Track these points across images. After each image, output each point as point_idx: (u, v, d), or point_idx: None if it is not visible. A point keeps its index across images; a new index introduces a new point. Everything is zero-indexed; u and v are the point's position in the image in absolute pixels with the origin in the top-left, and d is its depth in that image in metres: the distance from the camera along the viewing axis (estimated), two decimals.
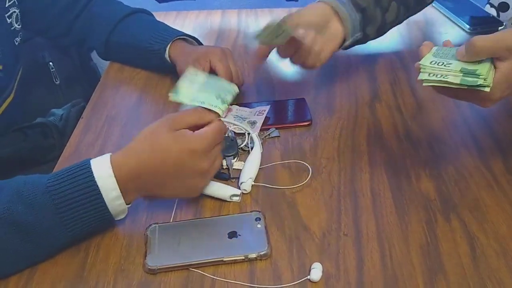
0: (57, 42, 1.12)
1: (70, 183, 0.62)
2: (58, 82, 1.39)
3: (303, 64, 0.88)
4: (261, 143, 0.82)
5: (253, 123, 0.87)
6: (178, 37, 0.97)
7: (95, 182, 0.62)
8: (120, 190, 0.63)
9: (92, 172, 0.62)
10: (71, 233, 0.63)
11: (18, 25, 0.93)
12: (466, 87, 0.63)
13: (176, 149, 0.65)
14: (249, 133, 0.83)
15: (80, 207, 0.62)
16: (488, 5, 1.28)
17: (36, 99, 1.35)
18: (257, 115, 0.89)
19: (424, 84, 0.65)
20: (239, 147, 0.82)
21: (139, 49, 1.00)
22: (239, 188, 0.74)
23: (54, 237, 0.63)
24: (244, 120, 0.87)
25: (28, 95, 1.22)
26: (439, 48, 0.70)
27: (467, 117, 0.89)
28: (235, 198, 0.73)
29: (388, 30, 0.96)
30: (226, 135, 0.83)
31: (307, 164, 0.79)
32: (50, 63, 1.38)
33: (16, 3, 0.92)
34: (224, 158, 0.78)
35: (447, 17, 1.23)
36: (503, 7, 1.25)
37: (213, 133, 0.67)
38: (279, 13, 1.26)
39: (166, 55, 0.95)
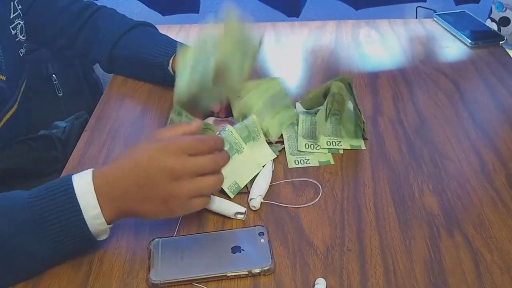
0: (61, 53, 1.12)
1: (50, 199, 0.60)
2: (61, 94, 1.40)
3: None
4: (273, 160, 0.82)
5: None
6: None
7: (76, 199, 0.60)
8: (100, 207, 0.61)
9: (73, 189, 0.60)
10: (51, 250, 0.61)
11: (23, 36, 0.93)
12: None
13: (146, 147, 0.63)
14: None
15: (60, 224, 0.60)
16: (489, 20, 1.29)
17: (39, 111, 1.36)
18: None
19: None
20: None
21: (141, 62, 1.00)
22: (248, 203, 0.74)
23: (32, 254, 0.61)
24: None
25: (31, 107, 1.23)
26: None
27: (470, 132, 0.90)
28: (240, 216, 0.72)
29: None
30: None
31: (316, 183, 0.79)
32: (53, 75, 1.39)
33: (21, 14, 0.93)
34: None
35: (449, 32, 1.24)
36: (504, 22, 1.26)
37: (195, 139, 0.63)
38: (281, 27, 1.27)
39: (169, 68, 0.95)
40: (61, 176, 0.64)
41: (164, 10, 1.46)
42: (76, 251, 0.66)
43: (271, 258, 0.65)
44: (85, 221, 0.61)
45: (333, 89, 0.84)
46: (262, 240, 0.68)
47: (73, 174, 0.63)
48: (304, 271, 0.65)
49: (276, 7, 1.46)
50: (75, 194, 0.60)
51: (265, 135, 0.85)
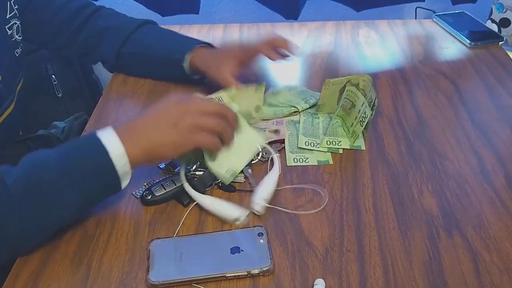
0: (59, 54, 1.12)
1: (77, 145, 0.69)
2: (60, 95, 1.40)
3: None
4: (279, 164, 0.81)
5: (276, 132, 0.87)
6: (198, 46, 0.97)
7: (101, 142, 0.67)
8: (124, 146, 0.67)
9: (97, 135, 0.67)
10: (78, 192, 0.66)
11: (19, 36, 0.93)
12: None
13: (167, 99, 0.73)
14: (270, 154, 0.82)
15: (86, 163, 0.66)
16: (489, 21, 1.29)
17: (38, 112, 1.36)
18: (276, 124, 0.89)
19: None
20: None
21: (155, 59, 1.00)
22: (253, 207, 0.73)
23: (62, 198, 0.65)
24: (265, 130, 0.88)
25: (30, 107, 1.23)
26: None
27: (469, 132, 0.90)
28: (238, 222, 0.72)
29: None
30: None
31: (320, 191, 0.79)
32: (53, 75, 1.39)
33: (17, 14, 0.92)
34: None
35: (448, 32, 1.24)
36: (504, 23, 1.26)
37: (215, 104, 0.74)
38: (280, 28, 1.27)
39: (185, 65, 0.96)
40: None
41: (163, 11, 1.46)
42: (102, 195, 0.70)
43: (270, 258, 0.65)
44: (111, 159, 0.66)
45: (357, 81, 0.85)
46: (261, 241, 0.68)
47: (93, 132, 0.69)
48: (303, 272, 0.65)
49: (275, 9, 1.46)
50: (99, 139, 0.67)
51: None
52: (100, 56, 1.04)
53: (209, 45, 1.00)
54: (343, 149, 0.85)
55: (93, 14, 1.02)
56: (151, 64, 1.01)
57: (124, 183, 0.69)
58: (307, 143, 0.85)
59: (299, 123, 0.90)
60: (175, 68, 0.97)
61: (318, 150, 0.85)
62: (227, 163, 0.77)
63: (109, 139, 0.67)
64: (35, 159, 0.67)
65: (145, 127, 0.70)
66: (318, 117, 0.92)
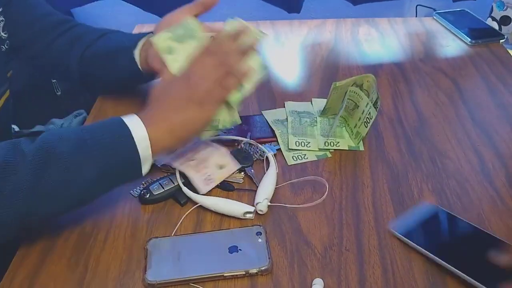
0: (31, 64, 1.05)
1: (101, 124, 0.68)
2: (59, 93, 1.40)
3: None
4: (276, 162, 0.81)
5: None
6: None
7: (124, 122, 0.66)
8: (147, 129, 0.66)
9: (121, 117, 0.67)
10: (98, 170, 0.64)
11: (5, 33, 0.90)
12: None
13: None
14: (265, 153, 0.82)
15: (109, 141, 0.65)
16: (490, 19, 1.29)
17: (37, 110, 1.36)
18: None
19: None
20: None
21: (108, 53, 0.92)
22: (255, 207, 0.73)
23: (82, 173, 0.64)
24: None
25: (29, 106, 1.22)
26: None
27: (469, 131, 0.89)
28: (249, 215, 0.72)
29: None
30: (239, 147, 0.84)
31: (324, 180, 0.78)
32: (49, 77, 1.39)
33: (3, 12, 0.90)
34: (243, 170, 0.79)
35: (448, 30, 1.23)
36: (505, 21, 1.26)
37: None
38: (280, 25, 1.26)
39: (136, 52, 0.86)
40: None
41: (161, 12, 1.45)
42: (121, 178, 0.68)
43: (269, 258, 0.65)
44: (133, 137, 0.65)
45: (362, 81, 0.84)
46: (260, 240, 0.67)
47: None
48: (301, 271, 0.65)
49: (276, 4, 1.45)
50: (123, 120, 0.67)
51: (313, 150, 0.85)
52: (66, 67, 0.97)
53: None
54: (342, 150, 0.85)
55: (69, 29, 0.97)
56: (106, 60, 0.93)
57: (145, 168, 0.68)
58: (297, 143, 0.85)
59: (286, 122, 0.89)
60: (127, 57, 0.88)
61: (309, 150, 0.84)
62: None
63: (133, 121, 0.67)
64: (55, 132, 0.66)
65: (164, 109, 0.69)
66: (305, 115, 0.91)
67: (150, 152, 0.67)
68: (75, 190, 0.64)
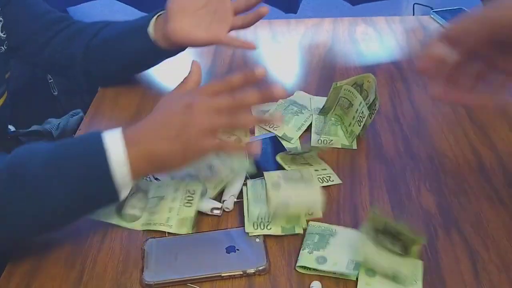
0: (28, 62, 1.06)
1: (77, 141, 0.64)
2: (56, 93, 1.39)
3: None
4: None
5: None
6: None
7: (103, 143, 0.60)
8: (127, 153, 0.60)
9: (101, 136, 0.61)
10: (71, 191, 0.60)
11: (4, 34, 0.91)
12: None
13: (174, 97, 0.67)
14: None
15: (84, 162, 0.60)
16: None
17: (34, 110, 1.35)
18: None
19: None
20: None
21: (119, 35, 0.94)
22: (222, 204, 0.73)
23: (54, 195, 0.59)
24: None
25: (26, 106, 1.22)
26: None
27: (467, 129, 0.89)
28: (216, 212, 0.72)
29: None
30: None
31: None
32: (48, 74, 1.38)
33: (1, 12, 0.90)
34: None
35: None
36: None
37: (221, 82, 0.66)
38: (277, 24, 1.26)
39: (150, 30, 0.89)
40: None
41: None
42: (96, 203, 0.64)
43: (266, 257, 0.65)
44: (109, 164, 0.59)
45: (362, 81, 0.84)
46: (257, 240, 0.67)
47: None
48: (299, 272, 0.64)
49: (273, 4, 1.45)
50: (102, 139, 0.60)
51: (282, 138, 0.85)
52: (68, 57, 0.98)
53: None
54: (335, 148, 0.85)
55: (67, 27, 0.98)
56: (116, 44, 0.95)
57: (124, 193, 0.63)
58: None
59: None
60: (139, 38, 0.90)
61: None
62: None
63: (113, 142, 0.60)
64: (27, 149, 0.62)
65: (149, 132, 0.63)
66: (296, 105, 0.92)
67: (130, 178, 0.61)
68: (42, 213, 0.60)
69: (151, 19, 0.90)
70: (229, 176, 0.73)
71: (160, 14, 0.90)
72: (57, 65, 1.00)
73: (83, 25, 0.99)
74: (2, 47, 0.90)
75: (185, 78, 0.72)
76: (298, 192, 0.69)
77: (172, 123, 0.62)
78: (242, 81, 0.65)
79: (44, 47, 0.97)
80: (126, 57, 0.95)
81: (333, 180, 0.77)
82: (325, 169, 0.79)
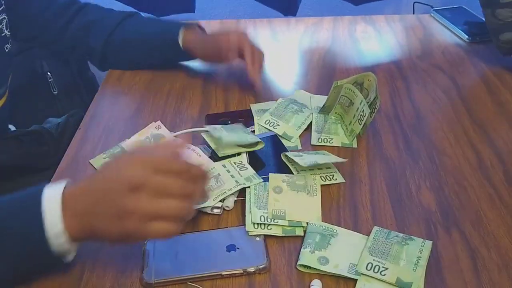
0: (47, 48, 1.11)
1: (16, 208, 0.57)
2: (56, 92, 1.39)
3: None
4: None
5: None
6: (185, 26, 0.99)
7: (41, 215, 0.55)
8: (64, 224, 0.55)
9: (40, 204, 0.55)
10: (8, 264, 0.57)
11: (8, 31, 0.91)
12: None
13: (118, 158, 0.59)
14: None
15: (20, 234, 0.56)
16: None
17: (33, 109, 1.35)
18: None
19: None
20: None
21: (147, 41, 1.01)
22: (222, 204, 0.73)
23: None
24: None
25: (25, 105, 1.22)
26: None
27: (467, 128, 0.89)
28: (216, 211, 0.72)
29: None
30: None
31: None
32: (48, 73, 1.38)
33: (5, 9, 0.91)
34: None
35: (446, 27, 1.23)
36: None
37: (170, 156, 0.56)
38: (277, 23, 1.26)
39: (180, 41, 0.97)
40: (32, 188, 0.59)
41: (158, 13, 1.45)
42: (40, 271, 0.62)
43: (267, 256, 0.65)
44: (47, 240, 0.55)
45: (362, 80, 0.85)
46: (258, 238, 0.67)
47: (45, 186, 0.58)
48: (300, 270, 0.64)
49: (272, 6, 1.45)
50: (41, 209, 0.55)
51: (282, 137, 0.86)
52: (88, 47, 1.02)
53: (199, 28, 1.03)
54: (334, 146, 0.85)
55: (80, 10, 1.02)
56: (143, 47, 1.02)
57: (69, 257, 0.59)
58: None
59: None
60: (170, 47, 0.98)
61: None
62: None
63: (51, 211, 0.55)
64: None
65: (89, 207, 0.56)
66: (296, 104, 0.92)
67: (68, 246, 0.57)
68: None
69: (178, 32, 0.98)
70: (234, 188, 0.73)
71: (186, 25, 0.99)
72: (76, 53, 1.06)
73: (97, 14, 1.03)
74: (7, 46, 0.91)
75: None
76: (298, 200, 0.71)
77: (115, 202, 0.54)
78: (199, 176, 0.58)
79: (60, 34, 1.01)
80: (154, 62, 1.05)
81: (336, 179, 0.77)
82: (329, 168, 0.79)
